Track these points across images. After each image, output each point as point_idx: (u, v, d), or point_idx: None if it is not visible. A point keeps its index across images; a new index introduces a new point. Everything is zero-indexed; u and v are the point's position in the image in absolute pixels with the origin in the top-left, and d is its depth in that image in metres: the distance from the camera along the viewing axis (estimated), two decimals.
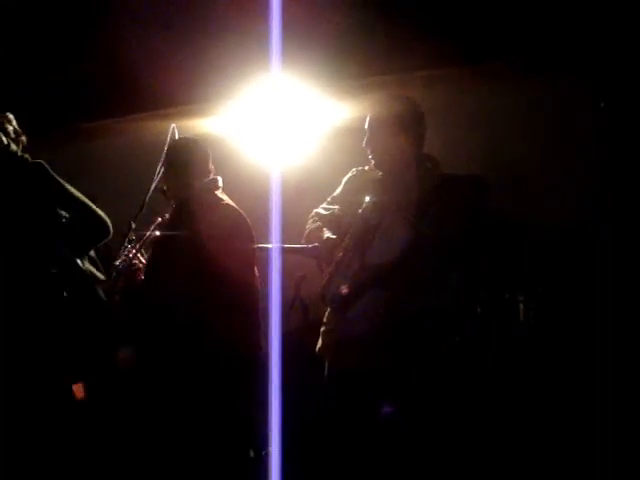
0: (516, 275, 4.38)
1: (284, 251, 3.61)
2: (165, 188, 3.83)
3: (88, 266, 3.51)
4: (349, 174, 3.61)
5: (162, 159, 3.78)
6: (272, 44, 3.94)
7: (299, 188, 3.91)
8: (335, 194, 3.64)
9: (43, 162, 3.42)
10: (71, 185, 3.43)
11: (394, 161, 3.45)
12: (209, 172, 3.82)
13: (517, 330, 4.24)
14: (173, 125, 3.87)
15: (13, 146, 3.38)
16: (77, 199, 3.42)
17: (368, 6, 4.58)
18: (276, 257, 3.54)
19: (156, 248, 3.77)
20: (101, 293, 3.50)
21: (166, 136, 3.86)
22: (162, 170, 3.78)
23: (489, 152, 4.83)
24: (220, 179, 3.84)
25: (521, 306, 4.31)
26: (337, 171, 3.72)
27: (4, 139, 3.35)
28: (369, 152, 3.50)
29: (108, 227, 3.49)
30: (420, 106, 3.54)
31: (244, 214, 3.72)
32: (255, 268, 3.70)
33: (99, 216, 3.44)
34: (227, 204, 3.74)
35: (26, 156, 3.41)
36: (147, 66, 4.45)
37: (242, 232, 3.67)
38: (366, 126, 3.50)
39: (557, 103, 4.68)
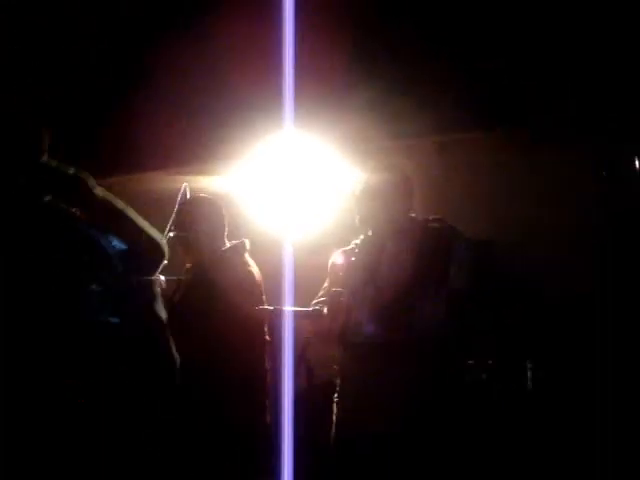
0: (523, 340, 4.37)
1: (291, 314, 3.50)
2: (182, 248, 3.75)
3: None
4: (331, 259, 3.62)
5: (173, 218, 3.72)
6: (286, 104, 3.91)
7: (311, 249, 3.85)
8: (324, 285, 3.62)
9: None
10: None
11: (385, 225, 3.47)
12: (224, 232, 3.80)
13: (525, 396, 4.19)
14: (185, 184, 3.84)
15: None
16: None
17: (383, 71, 4.59)
18: (284, 320, 3.44)
19: (173, 310, 3.65)
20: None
21: (177, 194, 3.83)
22: (173, 229, 3.71)
23: (495, 215, 4.82)
24: (247, 242, 3.82)
25: (529, 373, 4.25)
26: (350, 232, 3.65)
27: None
28: (360, 220, 3.51)
29: (163, 251, 2.98)
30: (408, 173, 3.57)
31: (260, 282, 3.70)
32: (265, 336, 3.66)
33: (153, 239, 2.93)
34: (251, 270, 3.72)
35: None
36: (160, 124, 4.42)
37: (257, 300, 3.64)
38: (356, 194, 3.50)
39: (560, 170, 4.75)
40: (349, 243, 3.62)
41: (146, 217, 3.61)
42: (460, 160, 5.08)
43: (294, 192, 4.33)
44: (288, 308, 3.46)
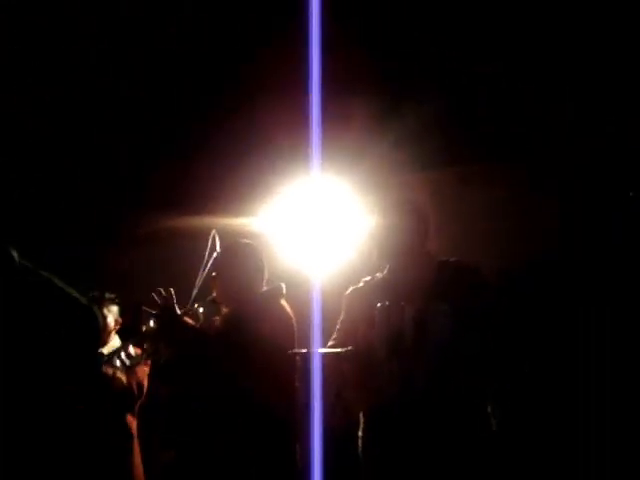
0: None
1: (322, 355, 3.55)
2: (215, 295, 3.81)
3: None
4: (347, 294, 3.70)
5: (205, 264, 3.79)
6: (312, 145, 4.00)
7: (340, 290, 3.92)
8: (338, 326, 3.68)
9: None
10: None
11: (405, 258, 3.56)
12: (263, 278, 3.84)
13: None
14: (214, 231, 3.90)
15: None
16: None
17: (405, 109, 4.66)
18: (315, 361, 3.51)
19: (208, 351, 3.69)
20: None
21: (207, 239, 3.91)
22: (205, 275, 3.78)
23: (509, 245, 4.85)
24: (284, 286, 3.87)
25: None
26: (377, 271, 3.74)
27: None
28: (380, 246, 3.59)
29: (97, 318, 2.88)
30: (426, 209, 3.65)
31: (293, 326, 3.75)
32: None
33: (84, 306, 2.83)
34: (289, 314, 3.77)
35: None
36: (197, 170, 4.53)
37: (292, 344, 3.68)
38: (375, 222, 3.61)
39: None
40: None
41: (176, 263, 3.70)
42: (481, 192, 5.13)
43: (321, 232, 4.42)
44: (322, 350, 3.51)
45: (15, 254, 2.76)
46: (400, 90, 4.71)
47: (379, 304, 3.54)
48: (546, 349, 3.90)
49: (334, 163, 4.24)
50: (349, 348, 3.50)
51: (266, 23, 4.54)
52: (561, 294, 4.24)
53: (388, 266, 3.65)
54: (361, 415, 3.57)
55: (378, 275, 3.72)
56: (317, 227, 4.39)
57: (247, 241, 3.99)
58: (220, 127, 4.71)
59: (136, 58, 4.56)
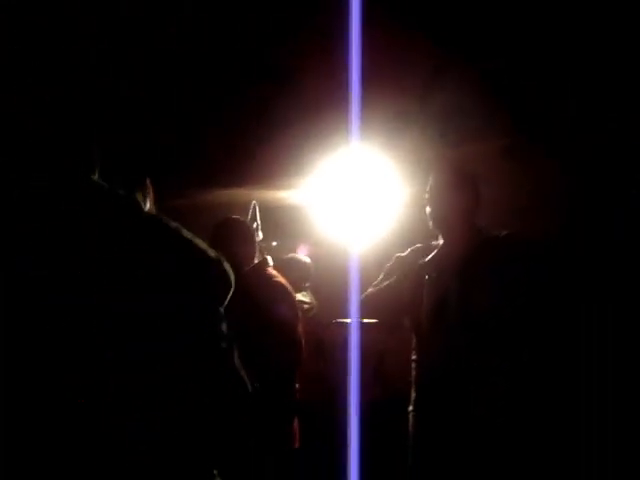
0: None
1: (363, 326, 3.54)
2: None
3: None
4: (403, 253, 3.59)
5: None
6: (351, 117, 3.99)
7: (378, 262, 3.91)
8: (388, 269, 3.58)
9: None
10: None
11: (455, 219, 3.43)
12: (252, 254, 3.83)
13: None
14: (254, 202, 3.93)
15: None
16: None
17: (443, 83, 4.64)
18: (355, 331, 3.51)
19: None
20: None
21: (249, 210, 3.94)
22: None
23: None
24: (269, 258, 3.88)
25: None
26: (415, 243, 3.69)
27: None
28: (431, 211, 3.47)
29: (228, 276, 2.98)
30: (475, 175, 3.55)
31: (290, 289, 3.75)
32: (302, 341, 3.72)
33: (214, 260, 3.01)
34: (279, 281, 3.78)
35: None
36: (237, 144, 4.56)
37: (290, 306, 3.71)
38: (428, 187, 3.49)
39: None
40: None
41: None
42: (525, 164, 5.06)
43: (360, 204, 4.41)
44: (364, 320, 3.50)
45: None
46: (440, 63, 4.67)
47: (427, 276, 3.45)
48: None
49: (375, 136, 4.23)
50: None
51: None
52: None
53: (439, 237, 3.53)
54: (412, 391, 3.50)
55: (422, 245, 3.60)
56: (357, 199, 4.40)
57: (236, 217, 3.96)
58: (260, 102, 4.72)
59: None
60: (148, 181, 3.08)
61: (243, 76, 4.60)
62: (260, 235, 4.12)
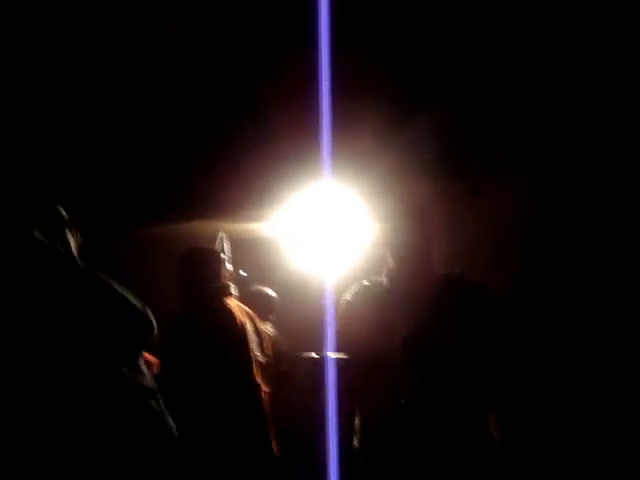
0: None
1: (332, 361, 3.49)
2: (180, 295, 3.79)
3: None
4: (348, 296, 3.63)
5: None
6: (323, 154, 4.02)
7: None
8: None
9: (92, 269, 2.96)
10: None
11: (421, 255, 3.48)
12: (220, 278, 3.82)
13: None
14: (221, 233, 3.91)
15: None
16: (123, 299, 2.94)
17: (417, 122, 4.67)
18: (329, 365, 3.45)
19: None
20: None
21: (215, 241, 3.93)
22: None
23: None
24: (232, 285, 3.85)
25: None
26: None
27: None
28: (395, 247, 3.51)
29: (152, 325, 3.03)
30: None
31: (241, 322, 3.71)
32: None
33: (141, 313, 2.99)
34: (227, 310, 3.73)
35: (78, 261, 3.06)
36: (202, 173, 4.55)
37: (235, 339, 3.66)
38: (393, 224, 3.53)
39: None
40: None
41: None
42: (490, 204, 5.07)
43: (330, 237, 4.40)
44: (333, 355, 3.47)
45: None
46: (410, 99, 4.71)
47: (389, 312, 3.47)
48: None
49: (343, 171, 4.25)
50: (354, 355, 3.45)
51: (274, 29, 4.57)
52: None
53: (393, 271, 3.57)
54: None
55: (378, 279, 3.63)
56: (326, 232, 4.40)
57: (204, 246, 3.98)
58: (231, 133, 4.73)
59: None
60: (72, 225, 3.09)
61: (216, 108, 4.61)
62: (229, 267, 4.12)
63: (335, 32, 3.99)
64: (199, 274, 3.78)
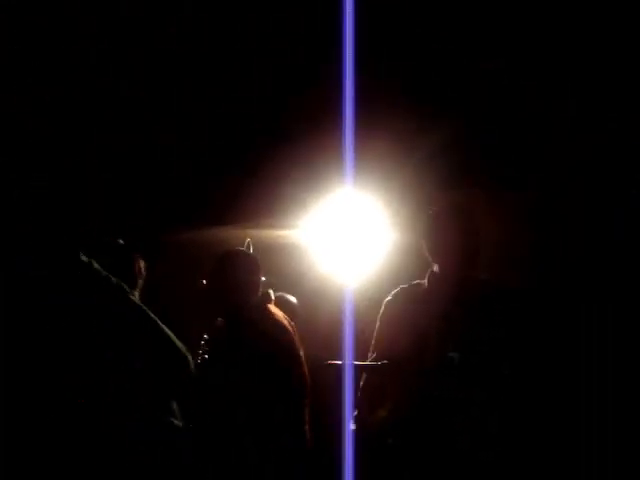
0: None
1: (356, 368, 3.41)
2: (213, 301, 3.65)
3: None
4: (389, 297, 3.52)
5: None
6: (346, 163, 4.05)
7: (369, 303, 3.92)
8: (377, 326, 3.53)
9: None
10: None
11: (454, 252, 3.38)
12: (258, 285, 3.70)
13: None
14: (248, 239, 3.85)
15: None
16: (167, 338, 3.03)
17: (437, 127, 4.70)
18: (348, 374, 3.38)
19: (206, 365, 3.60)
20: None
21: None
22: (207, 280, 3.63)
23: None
24: (272, 292, 3.74)
25: None
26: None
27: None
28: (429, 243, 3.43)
29: (189, 365, 3.13)
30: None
31: (290, 329, 3.62)
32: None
33: (179, 352, 3.09)
34: (275, 320, 3.63)
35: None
36: (235, 184, 4.58)
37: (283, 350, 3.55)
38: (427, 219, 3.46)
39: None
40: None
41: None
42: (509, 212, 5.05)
43: (354, 246, 4.42)
44: (357, 362, 3.39)
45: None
46: (426, 109, 4.75)
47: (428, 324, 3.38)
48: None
49: (366, 178, 4.28)
50: (385, 362, 3.36)
51: (287, 32, 4.58)
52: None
53: (434, 275, 3.47)
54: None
55: (407, 286, 3.55)
56: (351, 239, 4.40)
57: (240, 249, 3.81)
58: (259, 146, 4.77)
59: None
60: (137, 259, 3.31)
61: (242, 112, 4.65)
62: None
63: (356, 42, 4.02)
64: (245, 279, 3.64)
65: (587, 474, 3.79)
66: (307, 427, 3.54)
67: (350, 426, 3.44)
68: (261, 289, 3.71)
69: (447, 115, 4.72)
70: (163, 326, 2.98)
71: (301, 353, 3.60)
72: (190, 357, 3.07)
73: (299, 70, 4.53)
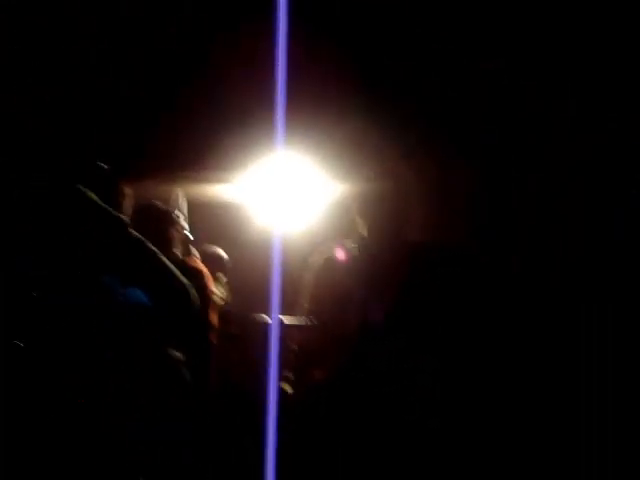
0: None
1: (283, 325, 3.41)
2: None
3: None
4: (318, 259, 3.53)
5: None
6: (279, 118, 3.98)
7: (302, 259, 3.80)
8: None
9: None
10: None
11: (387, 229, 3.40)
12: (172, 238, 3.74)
13: None
14: (177, 191, 3.78)
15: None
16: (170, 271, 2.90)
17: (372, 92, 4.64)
18: (275, 330, 3.30)
19: None
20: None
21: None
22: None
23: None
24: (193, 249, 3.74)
25: None
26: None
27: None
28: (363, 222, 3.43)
29: (190, 299, 2.99)
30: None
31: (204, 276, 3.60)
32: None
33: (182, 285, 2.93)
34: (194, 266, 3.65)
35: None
36: (156, 130, 4.47)
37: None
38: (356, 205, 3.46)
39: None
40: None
41: None
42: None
43: (285, 203, 4.35)
44: (284, 318, 3.38)
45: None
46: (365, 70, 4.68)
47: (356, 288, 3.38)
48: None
49: (302, 137, 4.21)
50: (312, 320, 3.38)
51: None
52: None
53: (364, 239, 3.46)
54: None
55: (349, 245, 3.52)
56: (285, 196, 4.32)
57: (156, 203, 3.81)
58: (193, 106, 4.66)
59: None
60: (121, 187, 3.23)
61: (175, 71, 4.53)
62: (186, 226, 4.05)
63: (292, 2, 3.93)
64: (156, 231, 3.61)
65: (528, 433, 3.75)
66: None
67: (276, 389, 3.36)
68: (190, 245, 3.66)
69: (391, 73, 4.67)
70: (164, 259, 2.87)
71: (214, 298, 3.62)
72: (193, 291, 2.93)
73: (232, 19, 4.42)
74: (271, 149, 4.11)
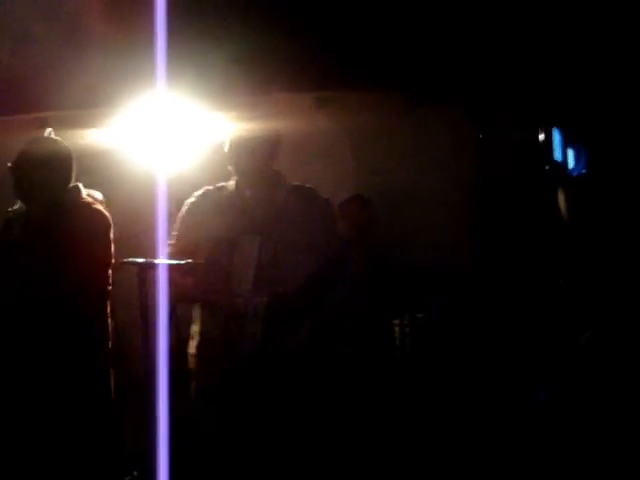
0: (392, 298, 4.26)
1: (164, 267, 3.20)
2: (17, 189, 3.38)
3: None
4: (192, 198, 3.56)
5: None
6: (159, 55, 3.71)
7: (184, 199, 3.63)
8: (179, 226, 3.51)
9: None
10: None
11: (262, 179, 3.46)
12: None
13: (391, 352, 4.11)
14: (49, 129, 3.53)
15: None
16: None
17: (259, 26, 4.41)
18: (157, 273, 3.14)
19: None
20: None
21: None
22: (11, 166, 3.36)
23: (372, 177, 4.72)
24: (81, 185, 3.53)
25: (397, 329, 4.22)
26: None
27: None
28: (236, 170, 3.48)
29: None
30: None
31: (107, 216, 3.46)
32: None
33: None
34: (92, 206, 3.47)
35: None
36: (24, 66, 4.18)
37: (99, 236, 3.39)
38: (230, 146, 3.47)
39: (440, 134, 4.67)
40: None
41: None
42: (340, 117, 4.92)
43: (166, 143, 4.18)
44: (161, 261, 3.18)
45: None
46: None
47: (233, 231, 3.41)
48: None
49: (183, 80, 4.02)
50: (189, 260, 3.28)
51: None
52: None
53: (237, 182, 3.52)
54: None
55: (224, 185, 3.56)
56: (165, 138, 4.17)
57: (55, 138, 3.52)
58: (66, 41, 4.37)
59: None
60: None
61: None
62: None
63: None
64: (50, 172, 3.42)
65: None
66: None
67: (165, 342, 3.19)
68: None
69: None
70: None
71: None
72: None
73: None
74: (152, 90, 3.86)
